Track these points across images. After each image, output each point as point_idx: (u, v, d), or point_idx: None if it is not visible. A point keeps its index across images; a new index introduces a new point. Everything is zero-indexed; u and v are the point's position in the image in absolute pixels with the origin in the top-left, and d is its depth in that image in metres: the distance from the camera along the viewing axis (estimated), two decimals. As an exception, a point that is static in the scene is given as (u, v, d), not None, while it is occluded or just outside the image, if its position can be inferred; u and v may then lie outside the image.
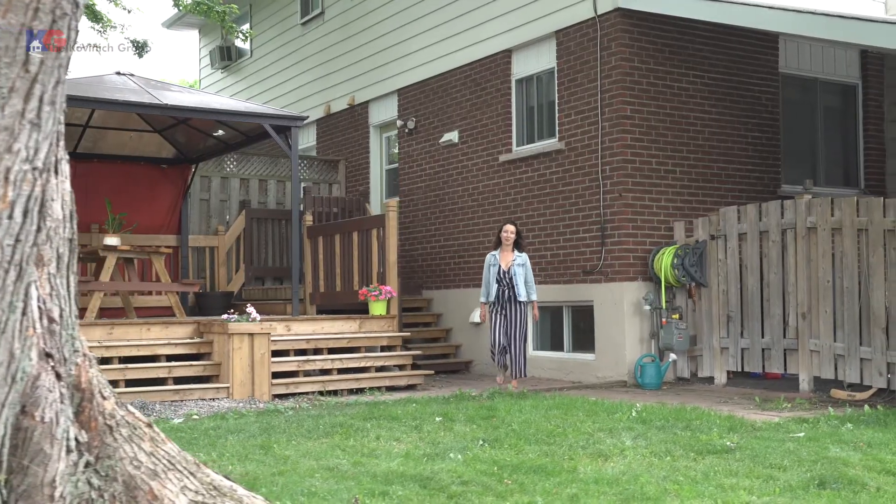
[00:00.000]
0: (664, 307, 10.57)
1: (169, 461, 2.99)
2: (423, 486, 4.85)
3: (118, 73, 11.37)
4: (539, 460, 5.67)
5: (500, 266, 10.05)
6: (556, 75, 11.66)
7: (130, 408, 3.11)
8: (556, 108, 11.62)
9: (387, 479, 4.99)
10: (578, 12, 11.23)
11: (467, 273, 12.92)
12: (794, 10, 9.23)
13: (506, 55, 12.42)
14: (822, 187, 12.18)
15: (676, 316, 10.57)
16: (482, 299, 10.16)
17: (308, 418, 7.62)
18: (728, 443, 6.14)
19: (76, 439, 2.80)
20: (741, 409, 8.21)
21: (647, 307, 10.64)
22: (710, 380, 10.51)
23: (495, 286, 9.98)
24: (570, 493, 4.80)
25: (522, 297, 9.98)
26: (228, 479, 3.23)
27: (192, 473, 3.02)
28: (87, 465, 2.80)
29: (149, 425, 3.11)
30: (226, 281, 14.20)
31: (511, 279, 9.97)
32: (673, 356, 10.57)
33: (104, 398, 2.95)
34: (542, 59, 11.92)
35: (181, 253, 13.74)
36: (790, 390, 9.55)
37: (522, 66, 12.26)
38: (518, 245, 10.17)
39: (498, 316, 10.03)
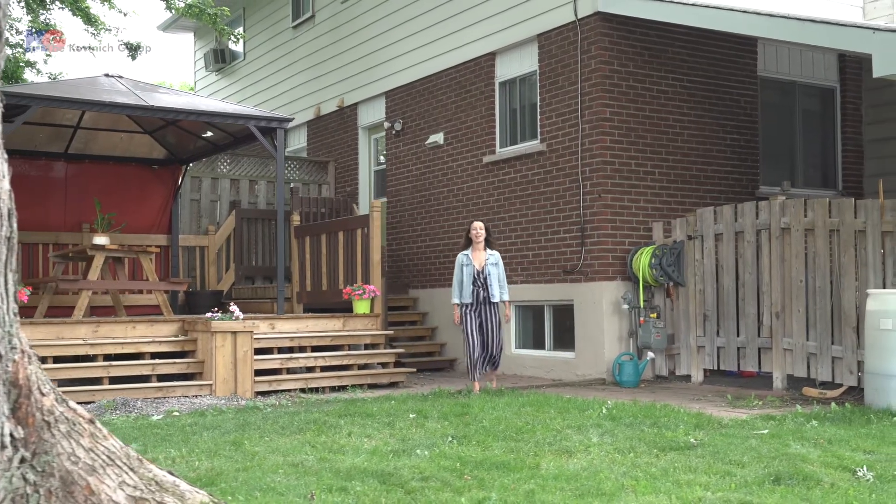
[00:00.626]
0: (642, 306, 10.57)
1: (108, 457, 2.99)
2: (382, 482, 4.85)
3: (107, 75, 11.35)
4: (504, 457, 5.67)
5: (474, 266, 9.67)
6: (537, 78, 11.66)
7: (72, 404, 3.10)
8: (538, 110, 11.62)
9: (348, 475, 4.99)
10: (560, 16, 11.23)
11: (452, 272, 12.87)
12: (770, 15, 9.23)
13: (490, 58, 12.42)
14: (801, 189, 12.18)
15: (654, 315, 10.57)
16: (454, 301, 9.77)
17: (284, 415, 7.62)
18: (691, 439, 6.14)
19: (11, 435, 2.80)
20: (712, 407, 8.21)
21: (626, 306, 10.64)
22: (688, 378, 10.51)
23: (470, 287, 9.62)
24: (527, 488, 4.79)
25: (496, 298, 9.64)
26: (173, 474, 3.23)
27: (132, 469, 3.01)
28: (23, 460, 2.79)
29: (90, 421, 3.11)
30: (216, 280, 14.19)
31: (486, 279, 9.61)
32: (651, 354, 10.57)
33: (43, 394, 2.95)
34: (525, 62, 11.93)
35: (171, 252, 13.74)
36: (764, 388, 9.55)
37: (506, 69, 12.26)
38: (488, 243, 9.83)
39: (473, 318, 9.63)
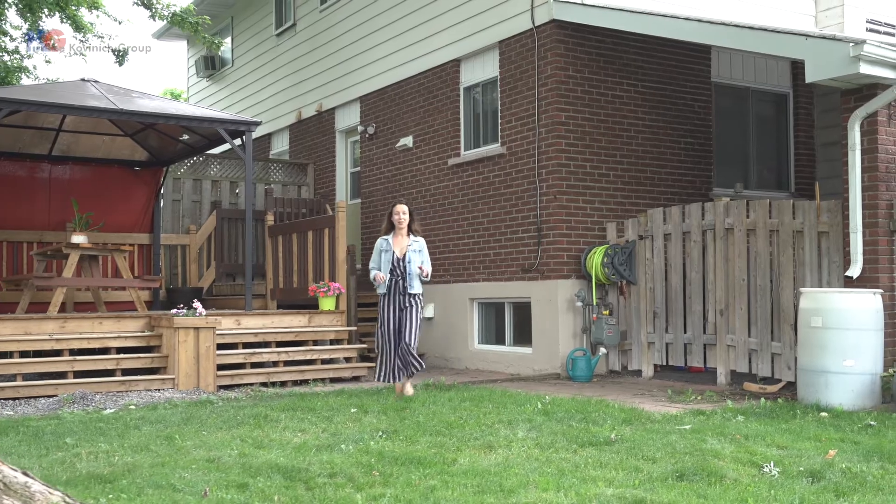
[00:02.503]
0: (595, 304, 10.40)
1: (-52, 458, 2.83)
2: (287, 478, 4.68)
3: (83, 80, 11.19)
4: (424, 452, 5.50)
5: (393, 253, 8.32)
6: (498, 83, 11.48)
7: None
8: (499, 114, 11.45)
9: (257, 471, 4.82)
10: (518, 24, 11.06)
11: (420, 270, 12.74)
12: (712, 22, 9.05)
13: (455, 64, 12.25)
14: (754, 190, 12.01)
15: (607, 312, 10.40)
16: (374, 270, 8.45)
17: (232, 409, 7.46)
18: (611, 435, 5.96)
19: None
20: (651, 402, 8.05)
21: (580, 303, 10.47)
22: (639, 373, 10.34)
23: (388, 276, 8.30)
24: (429, 484, 4.62)
25: (414, 290, 8.33)
26: (28, 475, 3.07)
27: (-25, 470, 2.86)
28: None
29: (-66, 422, 2.96)
30: (197, 277, 14.03)
31: (405, 267, 8.29)
32: (603, 350, 10.40)
33: None
34: (487, 69, 11.75)
35: (153, 250, 13.57)
36: (710, 383, 9.38)
37: (470, 75, 12.09)
38: (412, 229, 8.47)
39: (391, 310, 8.30)
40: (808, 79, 7.78)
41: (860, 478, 4.86)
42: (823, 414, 6.98)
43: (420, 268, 8.29)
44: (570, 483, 4.72)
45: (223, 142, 12.00)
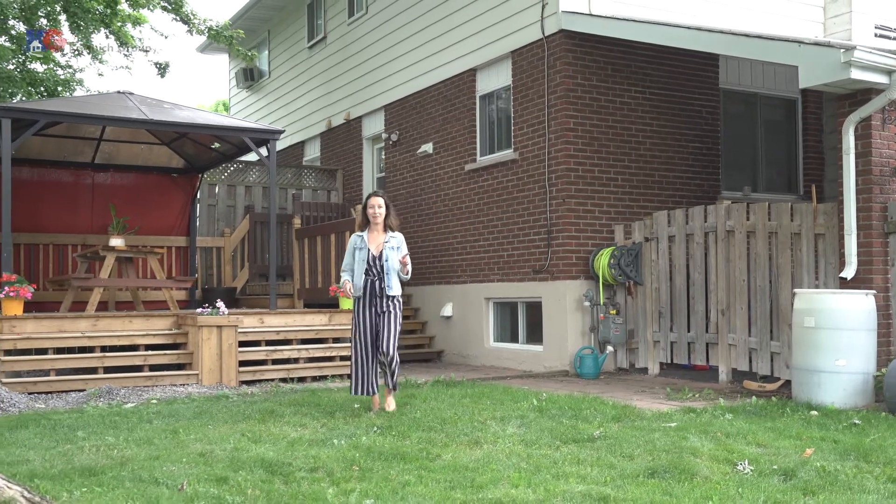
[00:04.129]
0: (602, 303, 10.27)
1: None
2: (268, 472, 4.66)
3: (119, 92, 11.34)
4: (411, 447, 5.45)
5: (368, 250, 7.05)
6: (511, 91, 11.40)
7: None
8: (512, 121, 11.36)
9: (242, 465, 4.81)
10: (529, 34, 10.96)
11: (440, 271, 12.72)
12: (710, 31, 8.87)
13: (471, 74, 12.19)
14: (763, 193, 11.77)
15: (614, 311, 10.27)
16: (345, 276, 7.18)
17: (244, 404, 7.48)
18: (595, 432, 5.86)
19: None
20: (649, 399, 7.91)
21: (588, 303, 10.35)
22: (645, 370, 10.19)
23: (363, 277, 7.03)
24: (405, 479, 4.58)
25: (393, 291, 7.05)
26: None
27: (-66, 465, 2.88)
28: None
29: None
30: (231, 278, 14.14)
31: (382, 266, 7.01)
32: (610, 348, 10.27)
33: None
34: (501, 77, 11.67)
35: (190, 252, 13.71)
36: (712, 381, 9.21)
37: (485, 84, 12.02)
38: (388, 224, 7.18)
39: (367, 314, 7.03)
40: (802, 84, 7.59)
41: (832, 476, 4.72)
42: (813, 412, 6.80)
43: (402, 260, 7.07)
44: (541, 479, 4.64)
45: (250, 149, 12.08)
